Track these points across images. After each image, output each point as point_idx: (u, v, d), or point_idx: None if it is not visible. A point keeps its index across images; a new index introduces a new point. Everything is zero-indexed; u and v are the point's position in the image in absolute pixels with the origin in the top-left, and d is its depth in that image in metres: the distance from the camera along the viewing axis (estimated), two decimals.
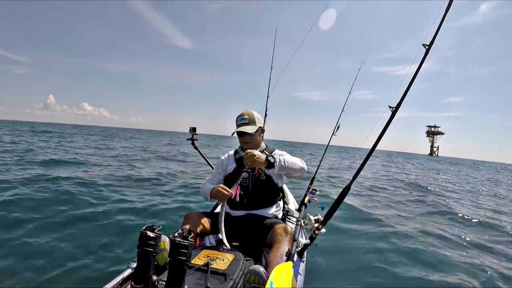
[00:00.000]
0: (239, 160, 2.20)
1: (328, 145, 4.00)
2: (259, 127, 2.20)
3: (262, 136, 2.29)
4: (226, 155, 2.35)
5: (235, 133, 2.17)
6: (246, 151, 1.93)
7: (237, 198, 1.91)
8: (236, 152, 2.29)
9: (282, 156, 2.01)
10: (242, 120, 2.19)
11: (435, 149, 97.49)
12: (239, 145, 2.28)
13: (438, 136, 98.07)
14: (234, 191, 1.89)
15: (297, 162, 2.05)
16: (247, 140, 2.17)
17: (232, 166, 2.21)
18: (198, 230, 1.95)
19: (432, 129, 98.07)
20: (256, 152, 1.91)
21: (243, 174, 2.01)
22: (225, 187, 1.90)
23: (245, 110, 2.25)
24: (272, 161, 1.93)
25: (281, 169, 1.98)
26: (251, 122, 2.18)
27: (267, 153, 2.00)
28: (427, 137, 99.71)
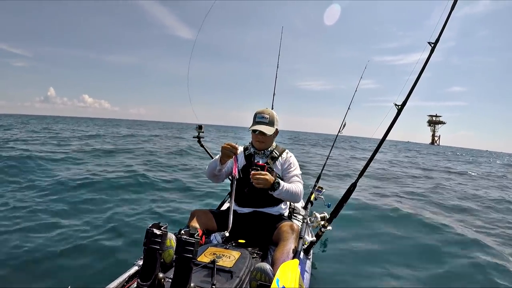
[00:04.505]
0: (248, 156, 2.19)
1: (333, 144, 3.97)
2: (276, 129, 2.17)
3: (275, 136, 2.24)
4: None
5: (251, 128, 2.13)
6: (261, 172, 1.90)
7: (239, 175, 1.97)
8: (246, 149, 2.25)
9: (285, 187, 1.96)
10: (262, 119, 2.13)
11: (436, 138, 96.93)
12: (250, 140, 2.26)
13: (439, 125, 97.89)
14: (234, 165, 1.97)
15: (294, 195, 2.03)
16: (261, 139, 2.13)
17: (241, 162, 2.18)
18: (204, 227, 1.96)
19: (434, 118, 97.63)
20: (269, 176, 1.89)
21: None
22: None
23: (266, 109, 2.20)
24: (275, 187, 1.91)
25: (278, 195, 1.98)
26: (270, 123, 2.13)
27: (275, 179, 1.93)
28: (429, 126, 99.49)
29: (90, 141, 13.49)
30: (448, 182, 9.29)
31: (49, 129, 21.51)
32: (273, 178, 1.91)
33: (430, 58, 1.90)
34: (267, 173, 1.92)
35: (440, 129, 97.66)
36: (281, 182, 1.96)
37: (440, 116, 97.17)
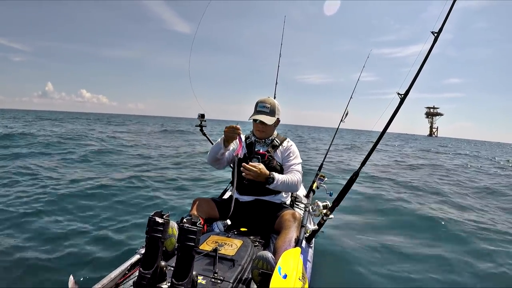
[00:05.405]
0: (249, 145, 2.18)
1: (336, 131, 3.95)
2: (277, 118, 2.15)
3: (276, 125, 2.23)
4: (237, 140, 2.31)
5: (251, 118, 2.11)
6: (254, 164, 1.89)
7: (240, 154, 1.92)
8: (247, 137, 2.24)
9: (280, 180, 1.94)
10: (264, 108, 2.11)
11: (434, 130, 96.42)
12: (251, 130, 2.24)
13: (437, 117, 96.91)
14: (239, 145, 1.91)
15: (291, 185, 2.01)
16: (261, 128, 2.12)
17: (242, 151, 2.16)
18: (206, 216, 1.96)
19: (431, 110, 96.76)
20: (263, 170, 1.89)
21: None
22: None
23: (267, 98, 2.18)
24: (269, 182, 1.91)
25: (274, 188, 1.97)
26: (271, 112, 2.11)
27: (269, 175, 1.92)
28: (426, 118, 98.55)
29: None
30: None
31: None
32: (267, 173, 1.90)
33: (434, 47, 1.92)
34: (262, 167, 1.90)
35: (438, 121, 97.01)
36: (276, 176, 1.93)
37: (437, 108, 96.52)
